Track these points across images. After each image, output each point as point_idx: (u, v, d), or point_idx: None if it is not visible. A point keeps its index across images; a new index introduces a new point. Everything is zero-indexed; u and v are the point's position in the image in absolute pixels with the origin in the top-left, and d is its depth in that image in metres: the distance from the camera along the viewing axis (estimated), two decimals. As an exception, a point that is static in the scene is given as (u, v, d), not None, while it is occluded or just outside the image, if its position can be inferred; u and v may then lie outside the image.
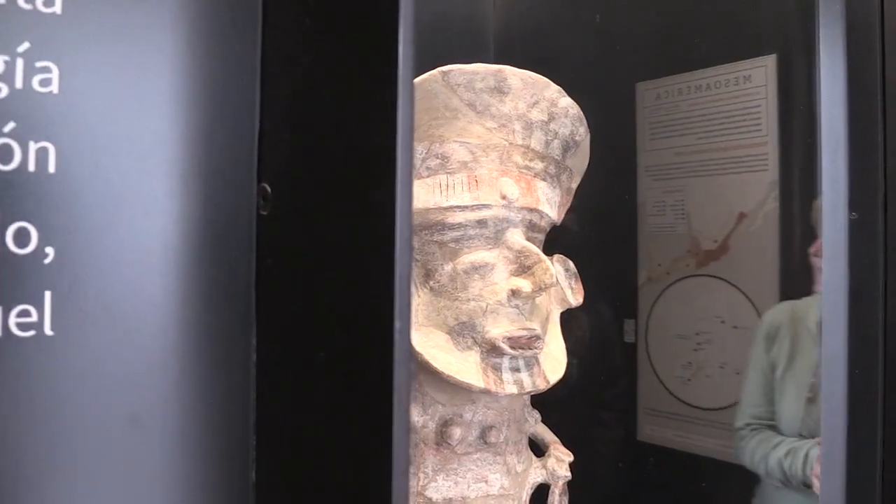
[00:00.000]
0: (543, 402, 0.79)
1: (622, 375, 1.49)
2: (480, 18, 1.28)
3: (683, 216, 1.51)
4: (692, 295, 1.45)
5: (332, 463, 0.38)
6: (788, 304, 1.23)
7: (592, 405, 1.43)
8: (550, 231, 1.37)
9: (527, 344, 0.69)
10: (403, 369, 0.33)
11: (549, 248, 0.78)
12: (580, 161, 0.79)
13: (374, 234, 0.34)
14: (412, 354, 0.35)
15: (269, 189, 0.40)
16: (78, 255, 0.37)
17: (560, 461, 0.77)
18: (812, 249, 1.17)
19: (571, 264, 0.80)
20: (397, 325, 0.33)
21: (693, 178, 1.49)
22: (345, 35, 0.38)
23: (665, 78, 1.50)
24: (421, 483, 0.71)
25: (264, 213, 0.40)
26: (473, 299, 0.69)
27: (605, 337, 1.52)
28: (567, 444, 0.91)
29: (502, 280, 0.69)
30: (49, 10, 0.37)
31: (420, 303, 0.70)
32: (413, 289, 0.70)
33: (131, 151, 0.39)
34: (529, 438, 0.80)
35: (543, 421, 0.82)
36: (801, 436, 1.13)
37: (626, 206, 1.54)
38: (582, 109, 0.76)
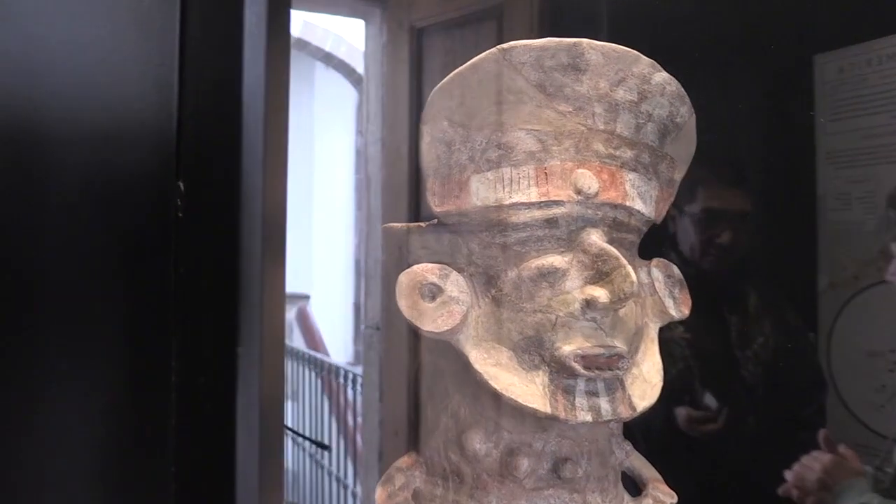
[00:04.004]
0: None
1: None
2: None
3: (874, 210, 1.36)
4: (886, 304, 1.31)
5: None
6: None
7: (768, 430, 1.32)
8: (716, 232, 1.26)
9: (606, 364, 0.62)
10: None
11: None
12: (683, 147, 0.70)
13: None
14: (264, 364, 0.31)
15: (182, 187, 0.38)
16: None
17: (659, 502, 0.69)
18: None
19: (676, 270, 0.72)
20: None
21: (886, 165, 1.34)
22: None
23: (849, 48, 1.36)
24: (483, 519, 0.65)
25: (181, 214, 0.38)
26: (541, 311, 0.63)
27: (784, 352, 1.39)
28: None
29: (575, 289, 0.63)
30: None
31: (480, 314, 0.65)
32: (473, 298, 0.65)
33: (32, 155, 0.37)
34: (624, 474, 0.72)
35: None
36: None
37: (803, 200, 1.42)
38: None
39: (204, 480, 0.39)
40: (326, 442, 2.78)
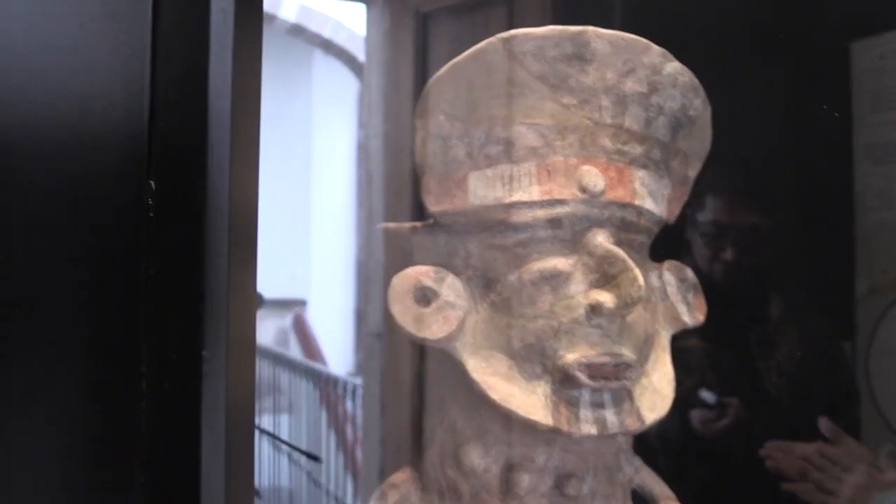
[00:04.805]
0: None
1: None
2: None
3: (919, 209, 1.36)
4: (933, 310, 1.30)
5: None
6: None
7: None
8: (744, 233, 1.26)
9: (612, 373, 0.63)
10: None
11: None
12: (698, 142, 0.71)
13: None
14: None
15: (153, 186, 0.39)
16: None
17: (670, 522, 0.70)
18: None
19: (690, 273, 0.73)
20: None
21: (930, 161, 1.34)
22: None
23: (890, 33, 1.36)
24: (482, 539, 0.67)
25: (152, 214, 0.39)
26: (543, 317, 0.64)
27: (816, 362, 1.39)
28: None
29: (579, 293, 0.64)
30: None
31: (478, 320, 0.66)
32: (470, 303, 0.66)
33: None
34: (634, 491, 0.73)
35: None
36: None
37: (839, 198, 1.41)
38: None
39: (172, 489, 0.41)
40: (323, 455, 2.79)
